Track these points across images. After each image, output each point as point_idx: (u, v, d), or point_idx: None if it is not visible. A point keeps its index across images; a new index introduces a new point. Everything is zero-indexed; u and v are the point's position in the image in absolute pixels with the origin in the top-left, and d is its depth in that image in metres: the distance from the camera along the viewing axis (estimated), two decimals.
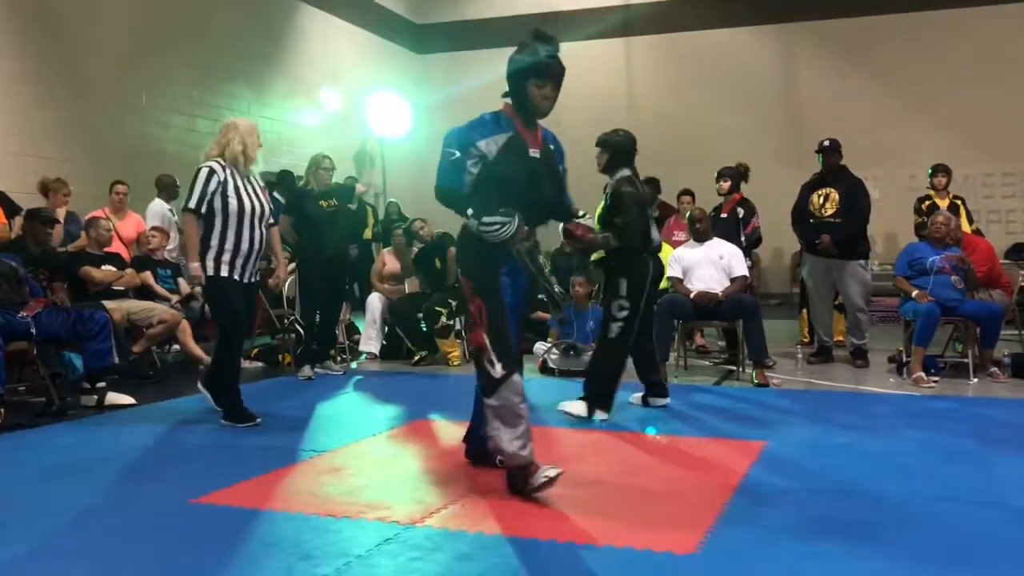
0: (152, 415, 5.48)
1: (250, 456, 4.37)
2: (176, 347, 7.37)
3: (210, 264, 4.95)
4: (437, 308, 7.40)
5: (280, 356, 7.63)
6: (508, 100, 3.76)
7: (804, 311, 8.13)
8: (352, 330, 8.37)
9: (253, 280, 5.17)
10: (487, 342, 3.56)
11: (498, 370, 3.51)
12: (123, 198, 7.95)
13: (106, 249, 6.96)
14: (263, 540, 3.13)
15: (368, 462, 4.34)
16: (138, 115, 9.59)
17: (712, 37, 13.65)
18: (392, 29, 14.55)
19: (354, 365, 7.70)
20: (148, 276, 7.12)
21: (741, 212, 7.41)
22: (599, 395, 5.09)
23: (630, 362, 5.36)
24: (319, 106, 12.54)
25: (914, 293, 6.42)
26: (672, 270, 6.54)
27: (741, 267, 6.59)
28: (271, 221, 5.26)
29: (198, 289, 7.49)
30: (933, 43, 12.47)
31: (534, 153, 3.74)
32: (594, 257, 6.07)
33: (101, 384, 5.65)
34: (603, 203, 5.33)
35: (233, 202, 4.96)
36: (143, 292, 7.05)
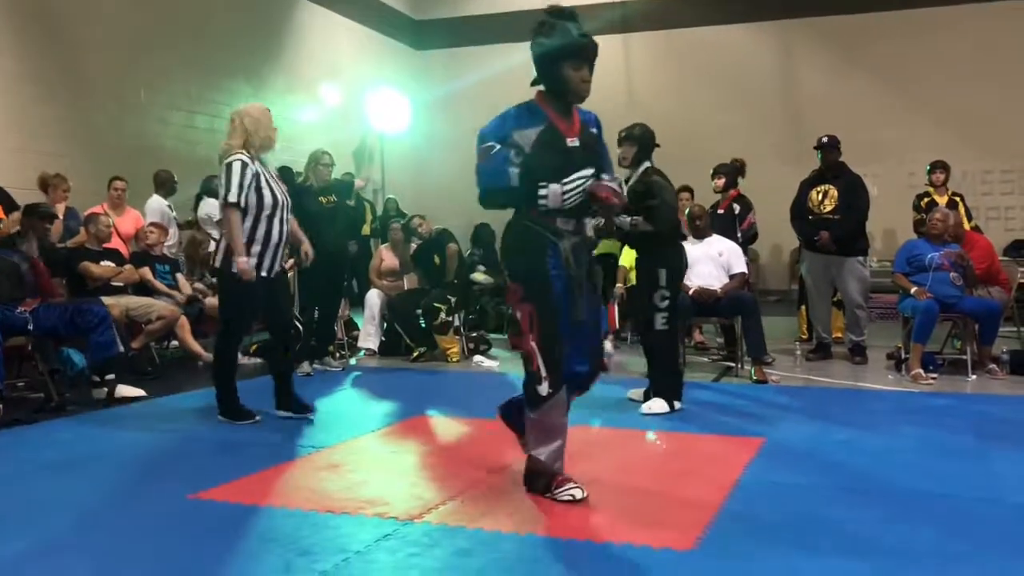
0: (150, 411, 5.48)
1: (249, 452, 4.37)
2: (175, 343, 7.38)
3: (232, 260, 4.80)
4: (436, 304, 7.40)
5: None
6: (540, 88, 3.50)
7: (803, 308, 8.14)
8: (351, 326, 8.37)
9: (277, 272, 5.01)
10: (537, 354, 3.36)
11: (545, 388, 3.36)
12: (122, 194, 7.95)
13: (105, 245, 6.95)
14: (262, 536, 3.13)
15: (367, 458, 4.34)
16: (137, 112, 9.58)
17: (710, 34, 13.64)
18: (391, 25, 14.54)
19: (353, 361, 7.70)
20: (147, 272, 7.11)
21: (737, 208, 7.41)
22: (672, 387, 5.12)
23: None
24: (318, 102, 12.53)
25: (913, 290, 6.42)
26: None
27: (740, 264, 6.60)
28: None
29: (199, 285, 7.54)
30: (932, 40, 12.46)
31: (572, 142, 3.44)
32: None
33: (110, 376, 5.65)
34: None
35: (267, 195, 4.82)
36: (142, 289, 7.05)
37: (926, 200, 8.11)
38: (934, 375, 6.24)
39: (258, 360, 7.51)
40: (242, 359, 7.33)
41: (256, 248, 4.83)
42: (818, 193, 7.20)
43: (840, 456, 4.18)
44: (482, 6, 14.68)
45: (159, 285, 7.17)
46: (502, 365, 7.35)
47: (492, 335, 8.55)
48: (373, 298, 7.98)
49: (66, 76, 8.76)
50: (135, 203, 8.25)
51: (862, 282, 7.14)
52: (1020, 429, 4.83)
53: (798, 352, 7.25)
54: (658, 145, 5.33)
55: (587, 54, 3.43)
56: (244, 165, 4.78)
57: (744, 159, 8.11)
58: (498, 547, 2.98)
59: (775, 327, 7.67)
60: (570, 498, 3.39)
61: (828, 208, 7.13)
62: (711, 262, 6.56)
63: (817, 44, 13.23)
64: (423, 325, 7.59)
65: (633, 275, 6.41)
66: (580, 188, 3.37)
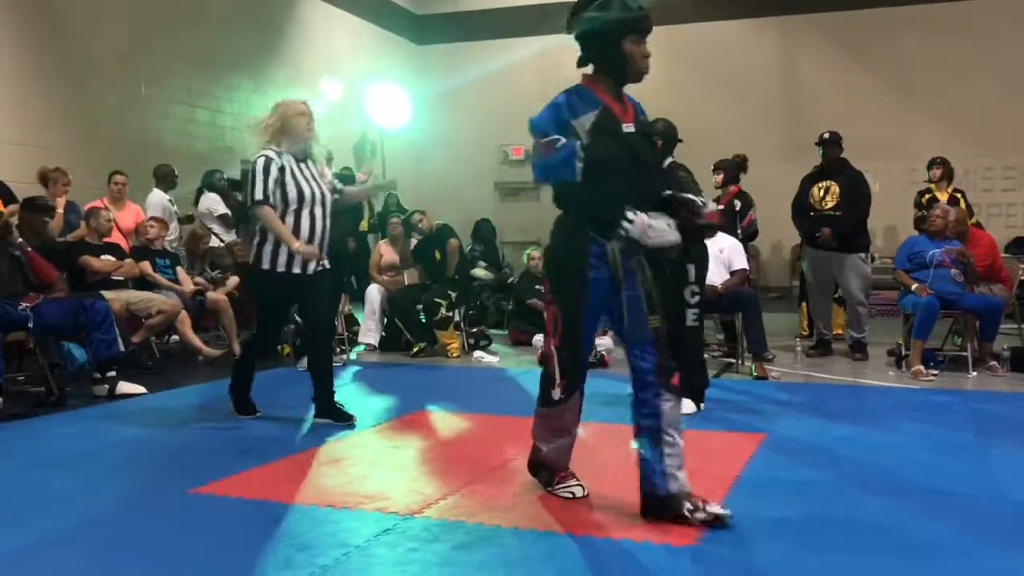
0: (151, 406, 5.49)
1: (249, 447, 4.37)
2: (175, 337, 7.37)
3: (266, 257, 4.72)
4: (436, 300, 7.40)
5: (279, 347, 7.62)
6: (587, 72, 3.23)
7: (804, 304, 8.14)
8: (351, 321, 8.37)
9: (316, 269, 4.87)
10: (554, 356, 3.23)
11: (557, 393, 3.25)
12: (122, 188, 7.93)
13: (105, 239, 6.95)
14: (262, 530, 3.13)
15: (367, 453, 4.34)
16: (137, 106, 9.57)
17: (711, 30, 13.62)
18: (392, 20, 14.52)
19: (353, 356, 7.70)
20: (147, 266, 7.11)
21: (738, 205, 7.40)
22: (702, 387, 4.98)
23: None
24: (319, 97, 12.49)
25: (914, 286, 6.42)
26: None
27: (741, 260, 6.59)
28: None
29: (199, 280, 7.53)
30: (934, 36, 12.44)
31: (628, 127, 3.18)
32: None
33: (111, 373, 5.65)
34: None
35: (292, 190, 4.73)
36: (142, 283, 7.05)
37: (927, 197, 8.10)
38: (934, 372, 6.24)
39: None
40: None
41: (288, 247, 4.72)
42: (819, 189, 7.20)
43: (840, 452, 4.18)
44: (483, 1, 14.65)
45: (160, 279, 7.16)
46: (502, 361, 7.35)
47: (492, 331, 8.56)
48: (373, 293, 7.98)
49: (67, 70, 8.75)
50: (136, 197, 8.24)
51: (863, 278, 7.14)
52: (1020, 426, 4.83)
53: (799, 348, 7.25)
54: (680, 140, 5.29)
55: (648, 27, 3.16)
56: (268, 161, 4.72)
57: (744, 154, 8.08)
58: (498, 542, 2.98)
59: (776, 323, 7.67)
60: (570, 495, 3.41)
61: (829, 204, 7.12)
62: (712, 259, 6.52)
63: (818, 40, 13.21)
64: (423, 320, 7.59)
65: None
66: (666, 228, 3.01)
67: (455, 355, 7.45)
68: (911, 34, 12.54)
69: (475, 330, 8.08)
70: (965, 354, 6.45)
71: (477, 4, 14.72)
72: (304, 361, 6.76)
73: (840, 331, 7.61)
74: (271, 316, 5.02)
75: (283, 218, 4.71)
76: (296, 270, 4.77)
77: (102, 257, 6.77)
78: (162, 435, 4.72)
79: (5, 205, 6.90)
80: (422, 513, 3.28)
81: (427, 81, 14.46)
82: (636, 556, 2.85)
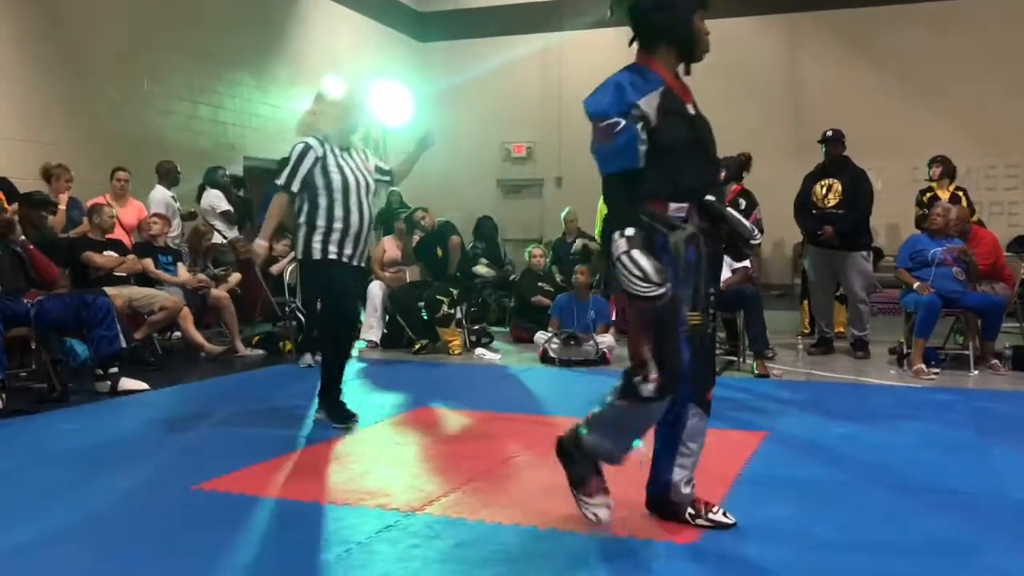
0: (153, 402, 5.50)
1: (251, 443, 4.38)
2: (177, 334, 7.38)
3: (316, 246, 4.63)
4: (438, 297, 7.40)
5: (281, 344, 7.63)
6: (641, 50, 2.99)
7: (805, 302, 8.13)
8: None
9: (358, 265, 4.81)
10: (646, 353, 2.80)
11: (650, 388, 2.78)
12: (124, 185, 7.94)
13: (108, 236, 6.95)
14: (264, 527, 3.14)
15: (368, 450, 4.35)
16: (140, 102, 9.57)
17: (715, 27, 13.39)
18: (394, 17, 14.51)
19: (354, 353, 7.69)
20: (149, 263, 7.12)
21: (743, 203, 7.38)
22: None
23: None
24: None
25: (915, 285, 6.42)
26: None
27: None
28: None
29: (202, 276, 7.53)
30: (938, 34, 12.42)
31: (691, 110, 2.99)
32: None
33: (113, 370, 5.65)
34: None
35: (336, 177, 4.67)
36: (145, 279, 7.06)
37: (928, 195, 8.08)
38: (936, 370, 6.24)
39: (260, 351, 7.52)
40: (244, 350, 7.37)
41: (336, 231, 4.66)
42: (822, 187, 7.19)
43: (842, 450, 4.19)
44: None
45: (163, 275, 7.17)
46: (503, 358, 7.36)
47: (494, 328, 8.56)
48: (375, 290, 7.98)
49: (69, 67, 8.76)
50: (138, 194, 8.26)
51: (865, 277, 7.14)
52: (1022, 425, 4.83)
53: (800, 346, 7.25)
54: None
55: (710, 5, 3.00)
56: (306, 148, 4.70)
57: (748, 152, 8.06)
58: (499, 539, 2.98)
59: (777, 321, 7.67)
60: (593, 516, 3.00)
61: (832, 202, 7.11)
62: None
63: (822, 38, 13.19)
64: (425, 317, 7.59)
65: None
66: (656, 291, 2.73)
67: (457, 352, 7.46)
68: (915, 32, 12.53)
69: (477, 327, 8.08)
70: (967, 352, 6.44)
71: (479, 1, 14.70)
72: (307, 357, 6.79)
73: (842, 329, 7.61)
74: (337, 308, 4.82)
75: (330, 207, 4.66)
76: (344, 259, 4.71)
77: (105, 253, 6.78)
78: (164, 431, 4.73)
79: (8, 202, 6.90)
80: (423, 510, 3.29)
81: (429, 78, 14.45)
82: (638, 553, 2.85)
